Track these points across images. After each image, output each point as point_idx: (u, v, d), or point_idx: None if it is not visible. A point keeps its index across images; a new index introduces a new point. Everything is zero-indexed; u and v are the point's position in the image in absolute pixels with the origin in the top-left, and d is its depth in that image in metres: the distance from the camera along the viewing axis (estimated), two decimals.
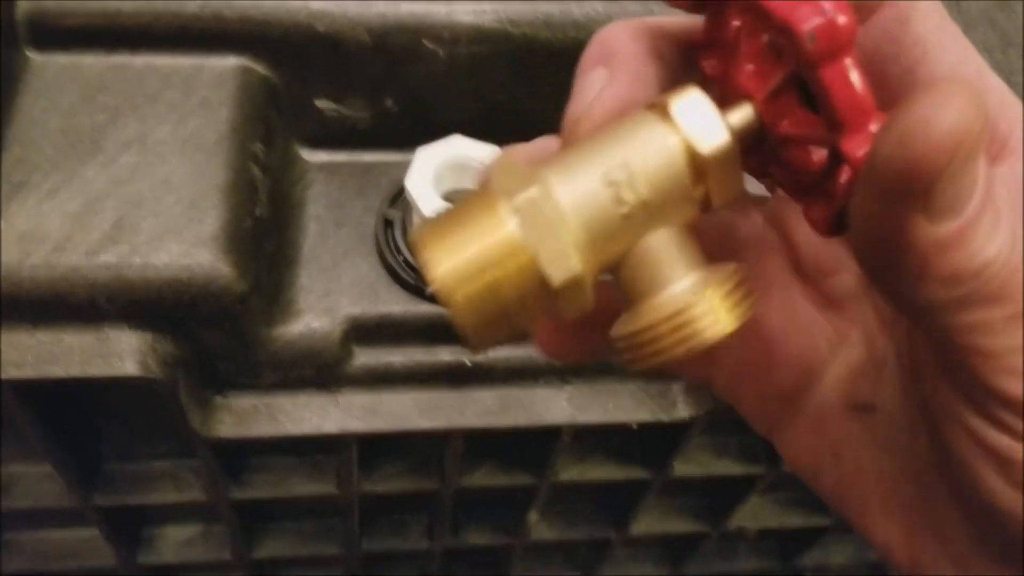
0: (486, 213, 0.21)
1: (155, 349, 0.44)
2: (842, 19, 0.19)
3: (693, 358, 0.21)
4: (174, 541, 0.65)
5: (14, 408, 0.44)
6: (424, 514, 0.67)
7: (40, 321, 0.43)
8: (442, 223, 0.22)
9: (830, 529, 0.72)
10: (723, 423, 0.59)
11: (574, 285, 0.21)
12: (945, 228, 0.18)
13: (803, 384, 0.27)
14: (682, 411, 0.53)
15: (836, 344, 0.26)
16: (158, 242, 0.43)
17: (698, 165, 0.22)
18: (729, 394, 0.29)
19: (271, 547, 0.64)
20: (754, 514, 0.69)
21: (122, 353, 0.44)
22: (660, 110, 0.22)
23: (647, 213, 0.22)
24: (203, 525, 0.65)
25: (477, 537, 0.67)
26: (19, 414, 0.45)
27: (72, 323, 0.44)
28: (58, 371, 0.43)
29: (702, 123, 0.21)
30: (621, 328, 0.22)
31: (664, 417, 0.53)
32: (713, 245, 0.25)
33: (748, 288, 0.22)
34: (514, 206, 0.21)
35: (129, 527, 0.61)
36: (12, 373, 0.42)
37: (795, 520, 0.70)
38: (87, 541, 0.63)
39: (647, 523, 0.68)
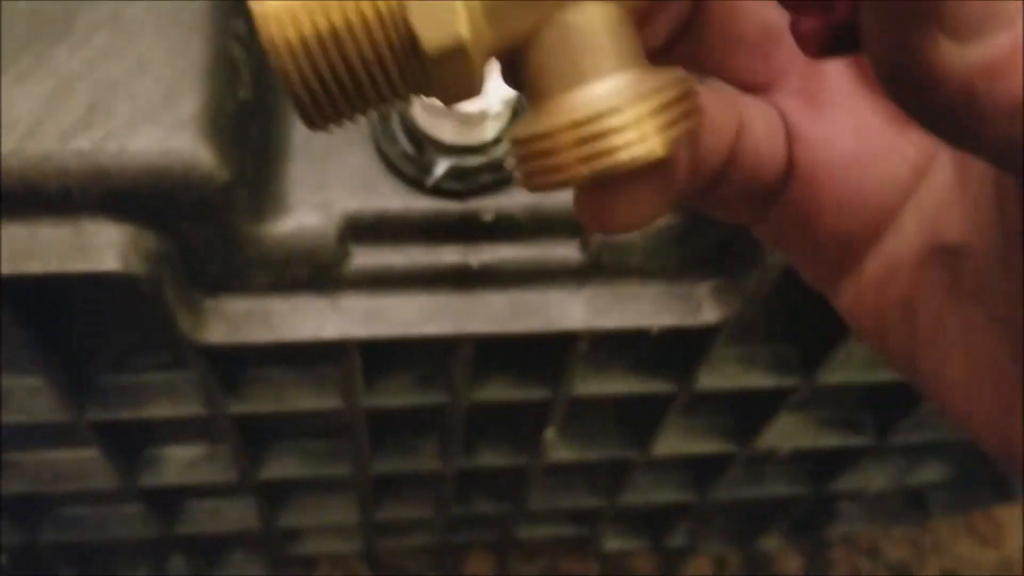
0: None
1: (136, 244, 0.41)
2: None
3: (606, 183, 0.17)
4: (177, 462, 0.62)
5: (4, 320, 0.42)
6: (435, 434, 0.64)
7: (13, 213, 0.40)
8: None
9: (868, 450, 0.68)
10: (752, 329, 0.56)
11: (456, 57, 0.16)
12: (981, 51, 0.14)
13: (877, 223, 0.22)
14: (708, 315, 0.49)
15: (920, 169, 0.21)
16: (134, 126, 0.40)
17: None
18: (777, 239, 0.24)
19: (277, 467, 0.62)
20: (785, 433, 0.65)
21: (101, 247, 0.41)
22: None
23: None
24: (207, 445, 0.63)
25: (491, 458, 0.64)
26: (3, 315, 0.42)
27: (47, 216, 0.41)
28: (35, 266, 0.40)
29: None
30: (516, 131, 0.17)
31: (689, 321, 0.49)
32: (748, 47, 0.20)
33: (692, 105, 0.17)
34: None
35: (128, 445, 0.59)
36: None
37: (830, 440, 0.67)
38: (88, 462, 0.61)
39: (670, 443, 0.65)
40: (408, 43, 0.16)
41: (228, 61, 0.42)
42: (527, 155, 0.17)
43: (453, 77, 0.16)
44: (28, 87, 0.41)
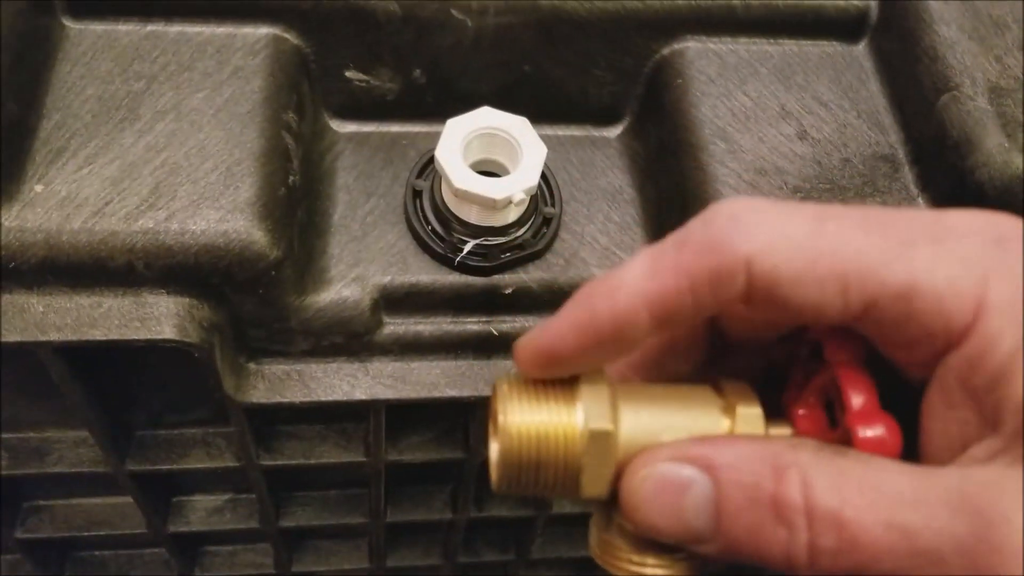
0: (567, 419, 0.25)
1: (192, 314, 0.45)
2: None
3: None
4: (203, 509, 0.66)
5: (57, 370, 0.45)
6: (447, 485, 0.67)
7: (79, 285, 0.44)
8: (525, 391, 0.26)
9: None
10: None
11: (597, 498, 0.26)
12: None
13: None
14: None
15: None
16: (195, 208, 0.44)
17: None
18: None
19: (298, 516, 0.65)
20: None
21: (160, 317, 0.44)
22: (727, 407, 0.25)
23: None
24: (232, 493, 0.66)
25: (500, 509, 0.67)
26: (61, 377, 0.46)
27: (111, 287, 0.44)
28: (98, 334, 0.44)
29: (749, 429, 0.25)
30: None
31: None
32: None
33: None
34: (590, 430, 0.25)
35: (160, 494, 0.62)
36: (53, 335, 0.43)
37: None
38: (117, 508, 0.65)
39: None
40: (575, 486, 0.25)
41: (281, 149, 0.47)
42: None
43: (592, 503, 0.26)
44: (96, 169, 0.45)
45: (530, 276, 0.51)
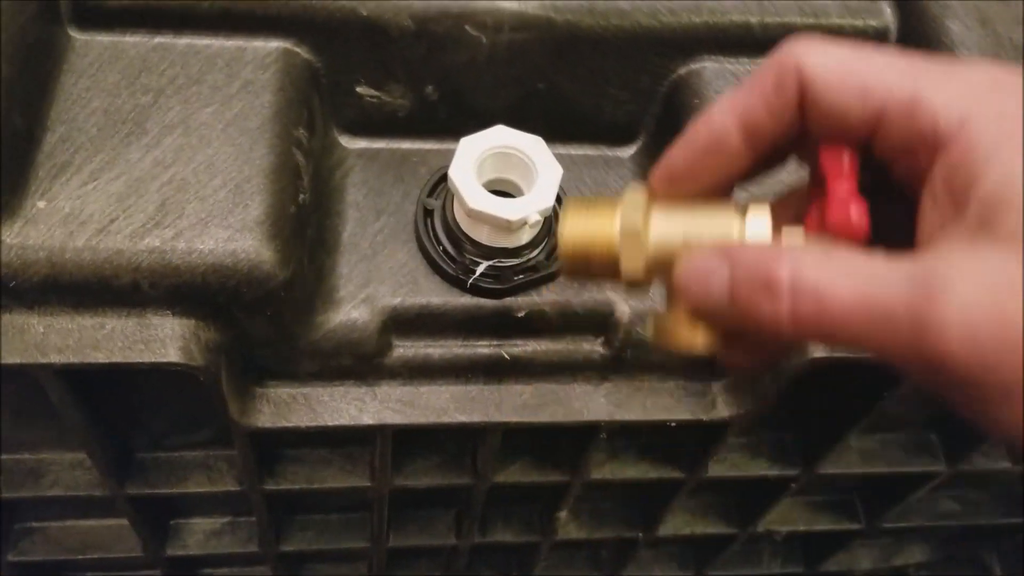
0: (609, 222, 0.32)
1: (198, 336, 0.44)
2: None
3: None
4: (201, 532, 0.64)
5: (57, 393, 0.44)
6: (452, 509, 0.66)
7: (82, 305, 0.43)
8: (585, 204, 0.33)
9: (857, 533, 0.71)
10: (759, 422, 0.59)
11: (635, 281, 0.32)
12: None
13: None
14: (721, 411, 0.52)
15: None
16: (202, 226, 0.43)
17: None
18: None
19: (298, 540, 0.64)
20: (783, 516, 0.68)
21: (165, 339, 0.43)
22: (740, 210, 0.30)
23: None
24: (231, 516, 0.64)
25: (505, 534, 0.66)
26: (61, 399, 0.44)
27: (115, 308, 0.43)
28: (100, 356, 0.42)
29: (755, 232, 0.30)
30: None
31: (703, 416, 0.52)
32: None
33: None
34: (624, 228, 0.31)
35: (158, 517, 0.61)
36: (54, 357, 0.42)
37: (824, 523, 0.70)
38: (112, 530, 0.63)
39: (675, 523, 0.67)
40: (617, 274, 0.32)
41: (291, 166, 0.45)
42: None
43: (635, 286, 0.32)
44: (102, 185, 0.43)
45: (543, 299, 0.50)
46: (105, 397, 0.50)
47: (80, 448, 0.50)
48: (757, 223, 0.30)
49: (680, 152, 0.31)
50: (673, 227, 0.31)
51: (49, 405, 0.46)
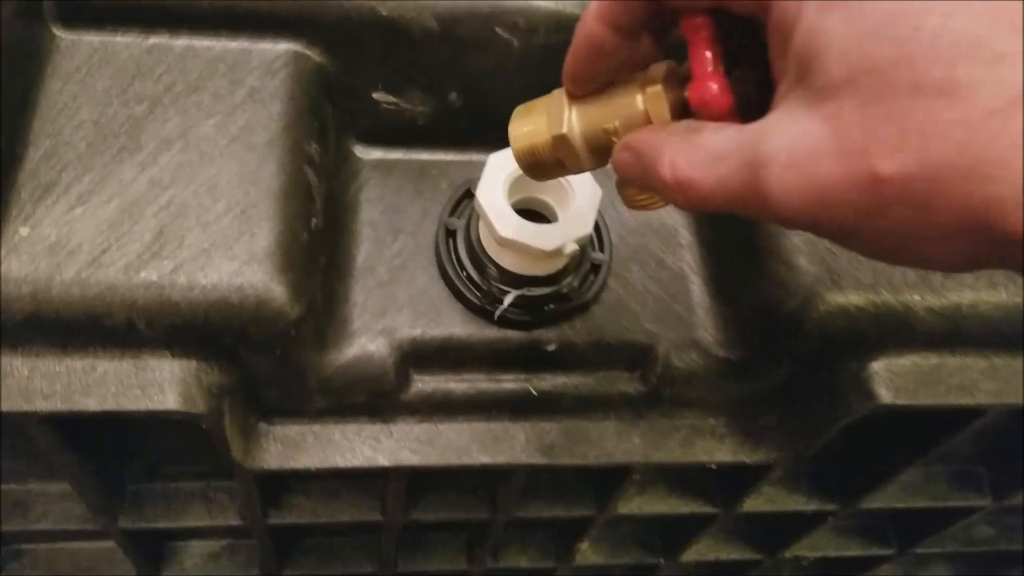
0: (544, 128, 0.34)
1: (199, 379, 0.39)
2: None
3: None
4: (198, 555, 0.60)
5: (42, 441, 0.40)
6: (464, 534, 0.62)
7: (71, 345, 0.38)
8: (524, 112, 0.36)
9: (888, 558, 0.68)
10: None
11: (583, 170, 0.35)
12: None
13: None
14: (767, 453, 0.48)
15: None
16: (205, 258, 0.38)
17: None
18: None
19: (301, 565, 0.60)
20: (812, 542, 0.65)
21: (163, 384, 0.39)
22: (642, 88, 0.31)
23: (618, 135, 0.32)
24: (230, 539, 0.60)
25: (519, 560, 0.63)
26: (48, 445, 0.40)
27: (107, 348, 0.39)
28: (91, 404, 0.38)
29: (655, 112, 0.31)
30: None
31: (746, 459, 0.48)
32: None
33: None
34: (553, 134, 0.34)
35: (153, 545, 0.57)
36: (40, 405, 0.37)
37: (854, 549, 0.66)
38: (104, 553, 0.59)
39: (698, 549, 0.64)
40: (566, 168, 0.35)
41: (303, 187, 0.41)
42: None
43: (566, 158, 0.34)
44: (92, 209, 0.39)
45: (575, 331, 0.46)
46: (97, 428, 0.46)
47: (64, 478, 0.46)
48: (653, 103, 0.31)
49: (572, 61, 0.32)
50: (591, 120, 0.33)
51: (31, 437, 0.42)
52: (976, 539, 0.68)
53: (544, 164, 0.35)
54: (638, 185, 0.31)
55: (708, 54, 0.27)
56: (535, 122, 0.35)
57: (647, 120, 0.31)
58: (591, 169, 0.35)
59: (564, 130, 0.33)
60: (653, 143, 0.29)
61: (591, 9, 0.30)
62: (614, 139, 0.32)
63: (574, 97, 0.33)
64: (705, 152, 0.26)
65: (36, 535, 0.53)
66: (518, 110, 0.36)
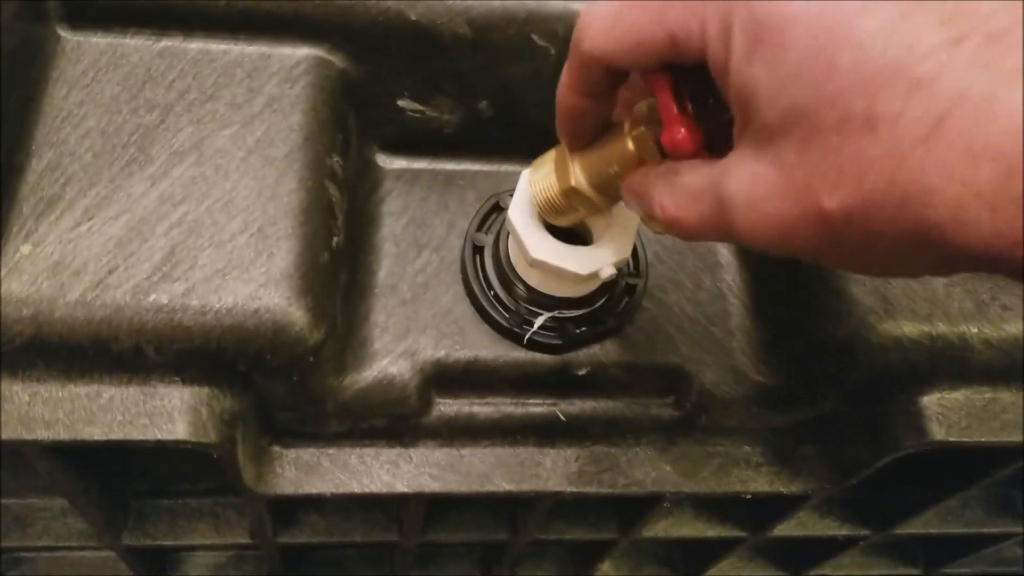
0: (554, 178, 0.36)
1: (211, 407, 0.37)
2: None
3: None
4: (204, 564, 0.58)
5: (43, 467, 0.37)
6: (478, 549, 0.60)
7: (75, 371, 0.36)
8: (539, 165, 0.37)
9: None
10: None
11: (600, 210, 0.37)
12: None
13: None
14: (804, 483, 0.46)
15: None
16: (219, 279, 0.36)
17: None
18: None
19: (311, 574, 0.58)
20: (837, 561, 0.63)
21: (172, 412, 0.36)
22: (628, 130, 0.32)
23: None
24: (236, 549, 0.59)
25: (536, 572, 0.61)
26: (50, 472, 0.38)
27: (113, 374, 0.36)
28: (96, 432, 0.36)
29: (644, 151, 0.32)
30: None
31: (783, 489, 0.46)
32: None
33: None
34: (562, 188, 0.36)
35: (158, 559, 0.55)
36: (41, 434, 0.35)
37: (881, 568, 0.64)
38: (108, 562, 0.57)
39: (720, 568, 0.62)
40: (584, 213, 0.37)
41: (324, 204, 0.38)
42: None
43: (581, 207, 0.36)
44: (99, 225, 0.36)
45: (607, 354, 0.43)
46: (99, 450, 0.43)
47: (65, 495, 0.44)
48: (641, 146, 0.32)
49: (559, 126, 0.34)
50: (595, 169, 0.34)
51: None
52: (1006, 559, 0.66)
53: (566, 212, 0.37)
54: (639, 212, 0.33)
55: (671, 102, 0.29)
56: (547, 176, 0.37)
57: (640, 160, 0.32)
58: (609, 208, 0.37)
59: (572, 183, 0.35)
60: (644, 186, 0.31)
61: (562, 81, 0.32)
62: (618, 181, 0.33)
63: (575, 149, 0.35)
64: (685, 193, 0.28)
65: (34, 550, 0.51)
66: (533, 164, 0.38)
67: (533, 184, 0.37)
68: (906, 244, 0.22)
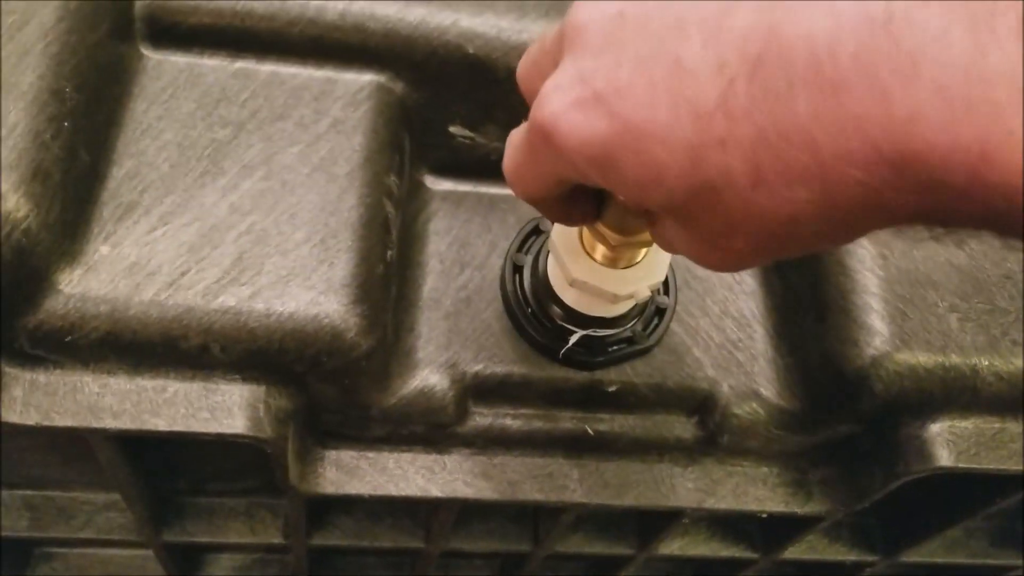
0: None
1: (268, 404, 0.39)
2: None
3: None
4: (230, 566, 0.60)
5: (106, 455, 0.40)
6: (497, 560, 0.62)
7: (143, 365, 0.38)
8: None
9: None
10: None
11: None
12: None
13: None
14: (818, 504, 0.48)
15: None
16: (283, 285, 0.38)
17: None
18: None
19: None
20: None
21: (232, 408, 0.39)
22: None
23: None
24: (262, 553, 0.60)
25: None
26: (110, 461, 0.40)
27: (179, 370, 0.39)
28: (160, 424, 0.38)
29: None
30: None
31: (797, 510, 0.48)
32: None
33: None
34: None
35: (190, 558, 0.57)
36: (109, 423, 0.37)
37: None
38: (137, 561, 0.59)
39: None
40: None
41: (381, 220, 0.41)
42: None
43: None
44: (172, 231, 0.39)
45: (636, 373, 0.46)
46: (148, 446, 0.46)
47: (120, 498, 0.46)
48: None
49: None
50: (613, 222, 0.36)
51: (87, 447, 0.41)
52: None
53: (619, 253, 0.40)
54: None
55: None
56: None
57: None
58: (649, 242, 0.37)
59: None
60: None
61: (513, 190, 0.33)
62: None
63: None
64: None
65: (75, 542, 0.53)
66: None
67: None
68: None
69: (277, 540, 0.51)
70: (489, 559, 0.62)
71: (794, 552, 0.55)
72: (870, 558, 0.56)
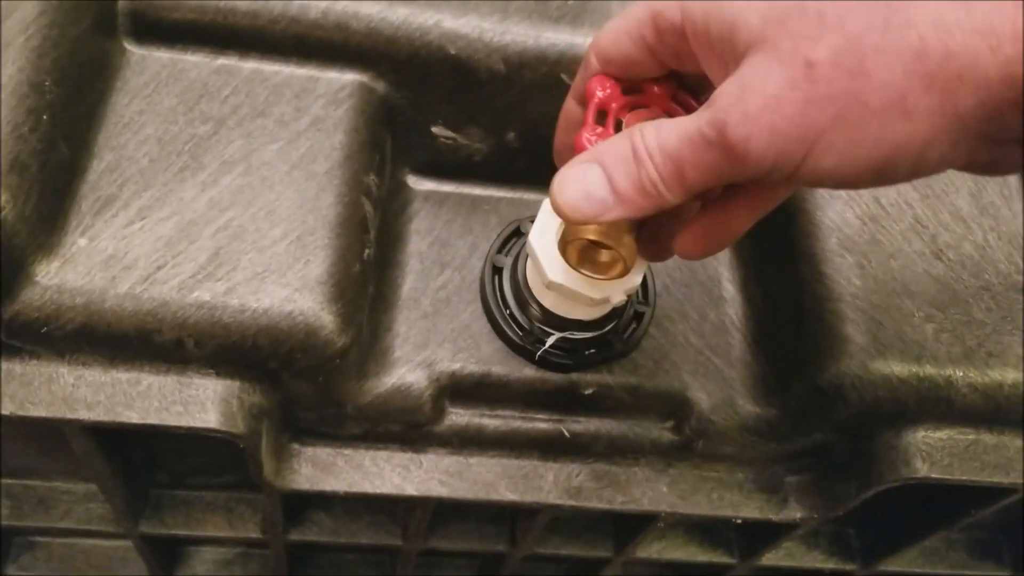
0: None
1: (241, 400, 0.39)
2: None
3: None
4: (211, 560, 0.60)
5: (80, 447, 0.40)
6: (477, 560, 0.62)
7: (118, 358, 0.39)
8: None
9: None
10: None
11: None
12: None
13: None
14: (793, 511, 0.48)
15: None
16: (258, 281, 0.38)
17: None
18: None
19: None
20: None
21: (205, 402, 0.39)
22: None
23: None
24: (243, 547, 0.61)
25: None
26: (85, 452, 0.41)
27: (153, 363, 0.39)
28: (134, 416, 0.38)
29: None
30: None
31: (772, 516, 0.48)
32: None
33: None
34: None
35: (170, 549, 0.57)
36: (83, 414, 0.38)
37: None
38: (119, 552, 0.59)
39: None
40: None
41: (359, 218, 0.41)
42: None
43: None
44: (150, 225, 0.39)
45: (613, 377, 0.46)
46: (129, 438, 0.46)
47: (98, 489, 0.46)
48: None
49: (556, 136, 0.38)
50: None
51: (64, 437, 0.42)
52: None
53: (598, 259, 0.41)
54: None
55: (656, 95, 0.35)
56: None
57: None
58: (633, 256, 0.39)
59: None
60: (614, 141, 0.32)
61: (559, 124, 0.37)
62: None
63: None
64: (673, 127, 0.31)
65: (55, 531, 0.53)
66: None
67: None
68: (897, 76, 0.25)
69: (255, 535, 0.52)
70: (470, 559, 0.62)
71: (772, 559, 0.55)
72: (848, 567, 0.56)
